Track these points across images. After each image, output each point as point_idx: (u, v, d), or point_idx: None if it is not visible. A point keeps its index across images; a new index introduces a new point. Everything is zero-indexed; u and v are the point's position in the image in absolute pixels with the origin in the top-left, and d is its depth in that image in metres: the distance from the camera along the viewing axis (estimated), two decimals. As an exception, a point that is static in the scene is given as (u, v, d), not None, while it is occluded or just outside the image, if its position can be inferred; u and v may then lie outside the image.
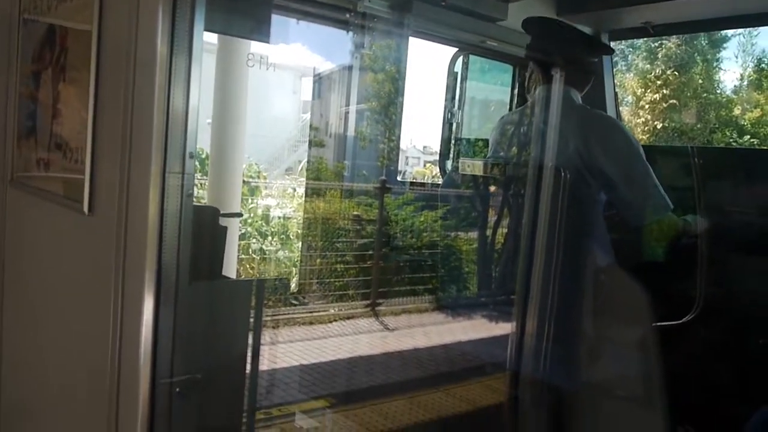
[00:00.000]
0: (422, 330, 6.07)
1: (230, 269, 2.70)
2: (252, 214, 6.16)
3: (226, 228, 1.47)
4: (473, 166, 2.62)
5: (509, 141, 2.59)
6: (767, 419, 1.34)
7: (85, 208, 1.30)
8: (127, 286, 1.21)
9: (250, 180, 6.23)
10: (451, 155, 3.28)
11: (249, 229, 6.03)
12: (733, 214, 2.94)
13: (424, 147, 14.90)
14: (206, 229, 1.32)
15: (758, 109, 11.08)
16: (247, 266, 5.92)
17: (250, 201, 6.14)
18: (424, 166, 14.69)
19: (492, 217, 2.79)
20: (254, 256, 6.03)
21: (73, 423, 1.53)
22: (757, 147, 10.68)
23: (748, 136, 10.87)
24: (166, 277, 1.12)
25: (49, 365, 1.68)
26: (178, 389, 1.24)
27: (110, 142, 1.22)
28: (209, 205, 2.51)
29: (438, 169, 3.76)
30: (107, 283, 1.24)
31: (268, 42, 2.59)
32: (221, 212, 1.57)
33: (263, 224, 6.21)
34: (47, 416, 1.72)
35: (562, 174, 2.15)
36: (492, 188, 2.65)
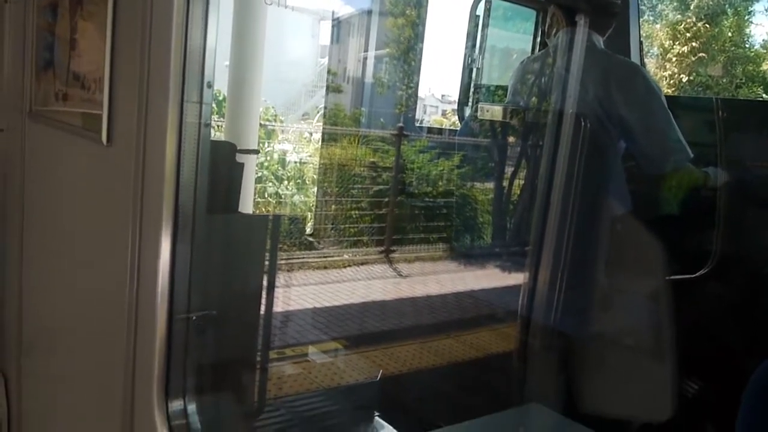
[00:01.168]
0: (435, 278, 6.12)
1: (246, 208, 2.72)
2: (268, 158, 6.16)
3: (242, 164, 1.47)
4: (491, 112, 2.59)
5: (529, 87, 2.55)
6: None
7: (104, 139, 1.30)
8: (145, 218, 1.21)
9: (267, 123, 6.20)
10: (470, 102, 3.23)
11: (265, 172, 6.04)
12: (755, 169, 2.89)
13: (443, 96, 14.73)
14: (223, 164, 1.32)
15: (787, 65, 10.82)
16: (264, 209, 5.95)
17: (266, 144, 6.14)
18: (443, 114, 14.55)
19: (508, 166, 2.77)
20: (270, 199, 6.06)
21: (92, 355, 1.56)
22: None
23: (775, 92, 10.64)
24: (184, 210, 1.13)
25: (68, 298, 1.71)
26: (194, 319, 1.26)
27: (128, 72, 1.21)
28: (226, 141, 2.50)
29: (456, 117, 3.72)
30: (126, 215, 1.25)
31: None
32: (238, 148, 1.57)
33: (280, 168, 6.22)
34: (66, 349, 1.76)
35: (582, 122, 2.12)
36: (509, 136, 2.62)
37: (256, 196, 5.76)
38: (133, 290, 1.27)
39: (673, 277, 2.62)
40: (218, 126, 4.03)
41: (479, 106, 2.71)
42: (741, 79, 10.76)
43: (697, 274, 2.82)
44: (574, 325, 2.54)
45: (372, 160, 7.25)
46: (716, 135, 2.81)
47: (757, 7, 11.17)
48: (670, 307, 2.51)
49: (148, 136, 1.14)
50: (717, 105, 2.93)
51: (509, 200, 2.87)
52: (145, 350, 1.24)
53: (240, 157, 1.69)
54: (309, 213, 6.56)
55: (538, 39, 3.37)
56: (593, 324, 2.58)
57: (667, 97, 2.42)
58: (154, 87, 1.10)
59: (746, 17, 11.22)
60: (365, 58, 9.23)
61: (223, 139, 3.02)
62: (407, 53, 8.68)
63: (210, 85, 1.06)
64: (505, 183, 2.83)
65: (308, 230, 6.43)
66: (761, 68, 10.95)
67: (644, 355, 2.61)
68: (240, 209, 1.50)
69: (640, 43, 3.65)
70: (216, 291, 1.38)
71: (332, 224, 6.62)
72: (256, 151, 2.55)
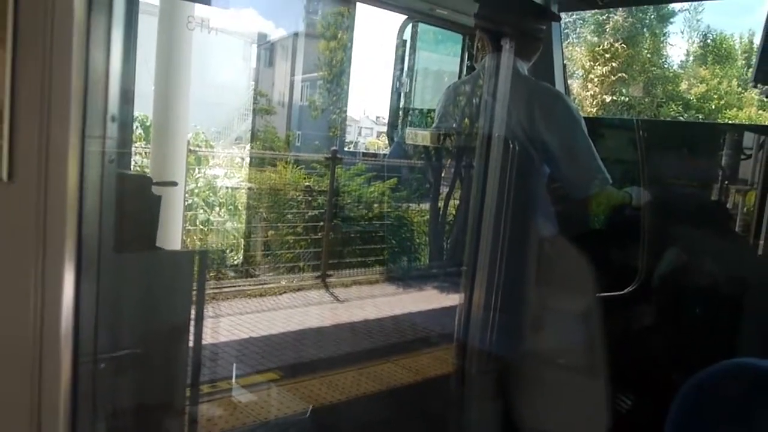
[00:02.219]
0: (372, 302, 6.08)
1: (173, 240, 2.62)
2: (199, 184, 6.02)
3: (159, 197, 1.41)
4: (419, 136, 2.59)
5: (455, 111, 2.57)
6: (699, 384, 1.37)
7: (4, 175, 1.21)
8: (47, 258, 1.13)
9: (197, 149, 6.07)
10: (400, 125, 3.24)
11: (196, 199, 5.89)
12: (675, 187, 2.99)
13: (377, 117, 14.85)
14: (136, 198, 1.26)
15: (704, 85, 11.35)
16: (195, 237, 5.80)
17: (196, 170, 6.00)
18: (377, 136, 14.65)
19: (438, 188, 2.77)
20: (202, 227, 5.91)
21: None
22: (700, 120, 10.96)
23: (694, 111, 11.14)
24: (88, 249, 1.06)
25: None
26: (108, 360, 1.18)
27: (29, 104, 1.14)
28: (140, 174, 2.42)
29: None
30: (28, 255, 1.16)
31: (209, 4, 2.49)
32: (154, 180, 1.50)
33: (211, 194, 6.08)
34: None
35: (507, 146, 2.14)
36: (437, 159, 2.63)
37: (187, 223, 5.62)
38: (36, 333, 1.18)
39: (603, 294, 2.66)
40: (145, 153, 3.92)
41: (408, 130, 2.71)
42: (662, 98, 11.24)
43: (626, 291, 2.88)
44: (509, 346, 2.55)
45: (307, 183, 7.20)
46: (638, 155, 2.89)
47: (671, 28, 11.75)
48: (601, 324, 2.55)
49: (50, 172, 1.07)
50: (637, 126, 3.02)
51: (443, 221, 2.88)
52: (51, 397, 1.16)
53: (159, 190, 1.62)
54: (243, 239, 6.44)
55: (466, 62, 3.42)
56: (527, 344, 2.60)
57: (591, 118, 2.49)
58: (56, 121, 1.03)
59: (662, 39, 11.78)
60: (297, 81, 9.21)
61: (149, 167, 2.93)
62: (340, 76, 8.70)
63: (114, 119, 1.00)
64: (438, 204, 2.83)
65: (242, 257, 6.30)
66: (679, 87, 11.47)
67: (577, 373, 2.64)
68: (164, 242, 1.43)
69: (564, 66, 3.75)
70: (135, 330, 1.31)
71: (267, 250, 6.52)
72: (174, 183, 2.47)
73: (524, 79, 2.39)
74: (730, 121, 11.10)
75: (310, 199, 7.14)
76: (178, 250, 2.31)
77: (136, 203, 1.25)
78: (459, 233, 2.76)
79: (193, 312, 1.53)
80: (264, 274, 6.35)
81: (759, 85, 2.65)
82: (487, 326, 2.44)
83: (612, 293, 2.81)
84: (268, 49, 9.57)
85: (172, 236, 2.59)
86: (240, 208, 6.54)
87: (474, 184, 2.28)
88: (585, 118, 2.46)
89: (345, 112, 8.79)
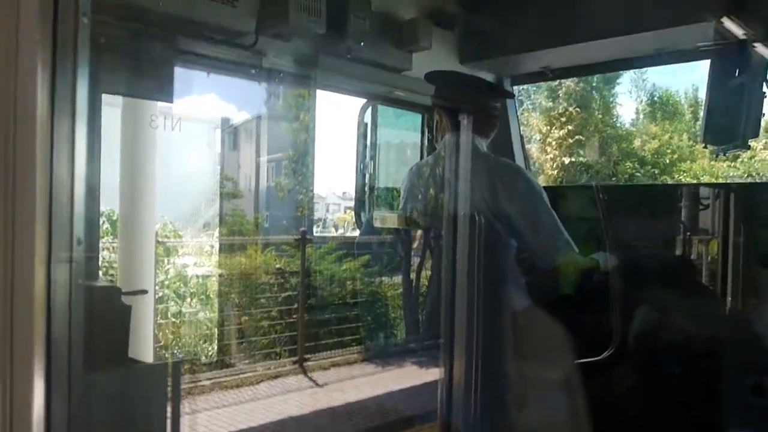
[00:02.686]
0: (352, 383, 5.96)
1: (144, 347, 2.57)
2: (168, 276, 5.94)
3: (129, 307, 1.39)
4: (385, 219, 2.63)
5: (419, 191, 2.61)
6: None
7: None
8: (16, 380, 1.11)
9: (165, 240, 6.02)
10: (366, 205, 3.27)
11: (167, 291, 5.80)
12: (639, 248, 3.06)
13: (344, 193, 14.96)
14: (105, 312, 1.24)
15: (656, 140, 11.76)
16: (167, 331, 5.68)
17: (166, 262, 5.93)
18: (345, 212, 14.72)
19: (410, 266, 2.79)
20: (174, 319, 5.80)
21: None
22: (657, 182, 11.28)
23: (649, 166, 11.49)
24: (58, 369, 1.04)
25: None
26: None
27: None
28: (108, 285, 2.39)
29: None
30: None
31: (171, 102, 2.53)
32: (123, 291, 1.48)
33: (181, 285, 6.00)
34: None
35: (470, 222, 2.17)
36: (406, 238, 2.65)
37: (159, 317, 5.51)
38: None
39: (580, 361, 2.67)
40: (113, 247, 3.87)
41: (374, 214, 2.75)
42: (618, 156, 11.59)
43: (603, 356, 2.89)
44: (493, 421, 2.52)
45: (278, 266, 7.16)
46: (600, 219, 2.96)
47: (619, 89, 12.25)
48: (582, 391, 2.55)
49: (15, 295, 1.06)
50: (597, 190, 3.10)
51: (416, 297, 2.88)
52: None
53: (128, 299, 1.60)
54: (217, 329, 6.32)
55: (426, 138, 3.51)
56: (511, 418, 2.57)
57: (553, 187, 2.55)
58: (20, 243, 1.03)
59: (611, 100, 12.25)
60: (262, 163, 9.28)
61: (117, 264, 2.89)
62: (304, 156, 8.80)
63: (80, 242, 1.00)
64: (411, 279, 2.84)
65: (216, 350, 6.17)
66: (633, 145, 11.86)
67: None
68: (135, 351, 1.41)
69: (521, 136, 3.87)
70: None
71: (242, 338, 6.40)
72: (144, 291, 2.45)
73: (484, 156, 2.46)
74: (684, 173, 11.44)
75: (282, 281, 7.08)
76: (151, 363, 2.25)
77: (105, 317, 1.23)
78: (433, 309, 2.76)
79: (169, 424, 1.48)
80: (240, 363, 6.22)
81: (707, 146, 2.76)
82: (468, 401, 2.42)
83: (590, 359, 2.81)
84: (232, 133, 9.67)
85: (143, 343, 2.55)
86: (212, 296, 6.45)
87: (443, 262, 2.30)
88: (548, 187, 2.53)
89: (311, 191, 8.83)
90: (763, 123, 2.86)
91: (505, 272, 2.43)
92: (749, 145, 2.76)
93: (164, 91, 2.41)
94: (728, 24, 2.64)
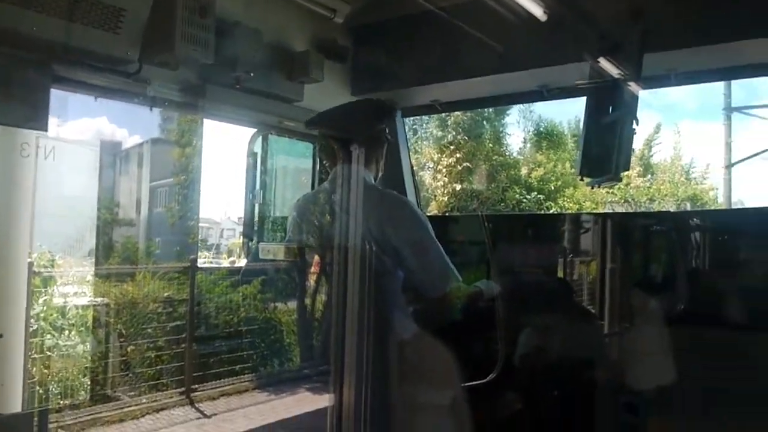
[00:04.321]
0: (243, 412, 5.84)
1: (11, 394, 2.40)
2: (46, 308, 5.58)
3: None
4: (272, 251, 2.61)
5: (305, 223, 2.60)
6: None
7: None
8: None
9: (42, 270, 5.67)
10: (255, 235, 3.23)
11: (42, 323, 5.45)
12: (522, 274, 3.19)
13: (240, 218, 14.69)
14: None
15: (541, 168, 12.35)
16: (41, 366, 5.33)
17: (42, 293, 5.57)
18: (240, 237, 14.44)
19: (302, 294, 2.76)
20: (50, 353, 5.45)
21: None
22: (542, 208, 11.85)
23: (535, 192, 12.05)
24: None
25: None
26: None
27: None
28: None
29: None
30: None
31: (45, 131, 2.42)
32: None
33: (59, 317, 5.65)
34: None
35: (358, 254, 2.19)
36: (297, 268, 2.63)
37: (33, 351, 5.17)
38: None
39: (468, 384, 2.75)
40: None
41: (261, 246, 2.71)
42: (506, 183, 12.06)
43: (487, 379, 2.97)
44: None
45: (166, 294, 6.92)
46: (486, 246, 3.07)
47: (507, 119, 12.82)
48: (467, 412, 2.62)
49: None
50: (483, 219, 3.21)
51: (310, 323, 2.85)
52: None
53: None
54: (98, 362, 5.99)
55: (317, 167, 3.52)
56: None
57: (440, 217, 2.62)
58: None
59: (500, 129, 12.79)
60: (152, 189, 8.99)
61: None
62: (196, 182, 8.60)
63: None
64: (305, 304, 2.81)
65: (96, 381, 5.84)
66: (521, 172, 12.39)
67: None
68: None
69: (411, 166, 3.96)
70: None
71: (126, 371, 6.11)
72: None
73: (370, 189, 2.48)
74: (567, 198, 12.07)
75: (171, 310, 6.85)
76: (14, 413, 2.11)
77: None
78: (325, 337, 2.75)
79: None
80: (123, 396, 5.94)
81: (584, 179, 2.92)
82: (357, 428, 2.42)
83: (475, 382, 2.89)
84: (119, 158, 9.31)
85: (11, 389, 2.39)
86: (94, 327, 6.12)
87: (332, 294, 2.31)
88: (436, 216, 2.60)
89: (197, 217, 8.64)
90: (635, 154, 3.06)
91: (393, 302, 2.45)
92: (621, 178, 2.93)
93: (38, 118, 2.31)
94: (604, 64, 2.82)
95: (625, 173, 2.94)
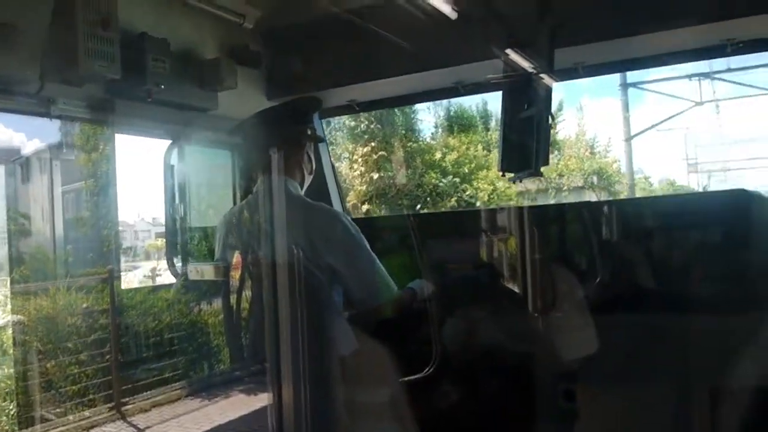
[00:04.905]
0: (176, 422, 5.72)
1: None
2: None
3: None
4: (201, 271, 2.55)
5: (233, 239, 2.55)
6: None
7: None
8: None
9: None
10: (178, 250, 3.13)
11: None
12: (451, 271, 3.24)
13: (154, 219, 14.26)
14: None
15: (455, 152, 12.55)
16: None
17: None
18: (156, 238, 14.01)
19: (235, 310, 2.72)
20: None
21: None
22: (459, 196, 12.07)
23: (451, 176, 12.25)
24: None
25: None
26: None
27: None
28: None
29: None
30: None
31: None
32: None
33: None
34: None
35: (289, 272, 2.17)
36: (226, 287, 2.58)
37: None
38: None
39: (404, 379, 2.80)
40: None
41: (189, 267, 2.64)
42: (422, 169, 12.19)
43: (423, 373, 3.03)
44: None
45: (84, 305, 6.65)
46: (414, 246, 3.09)
47: (418, 105, 12.93)
48: (406, 406, 2.67)
49: None
50: (410, 220, 3.23)
51: (239, 327, 2.81)
52: None
53: None
54: (14, 382, 5.70)
55: (236, 174, 3.46)
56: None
57: (366, 219, 2.63)
58: None
59: (412, 116, 12.90)
60: (58, 196, 8.58)
61: None
62: (107, 186, 8.27)
63: None
64: (233, 307, 2.77)
65: (15, 405, 5.56)
66: (435, 157, 12.55)
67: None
68: None
69: (333, 166, 3.95)
70: None
71: (47, 390, 5.85)
72: None
73: (299, 201, 2.45)
74: (482, 180, 12.33)
75: (91, 321, 6.59)
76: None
77: None
78: (254, 337, 2.72)
79: None
80: (47, 415, 5.69)
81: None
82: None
83: (412, 377, 2.93)
84: (21, 165, 8.82)
85: None
86: (7, 349, 5.82)
87: (265, 311, 2.28)
88: (364, 219, 2.59)
89: (117, 223, 8.35)
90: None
91: (328, 310, 2.44)
92: (541, 173, 2.99)
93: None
94: (516, 59, 2.87)
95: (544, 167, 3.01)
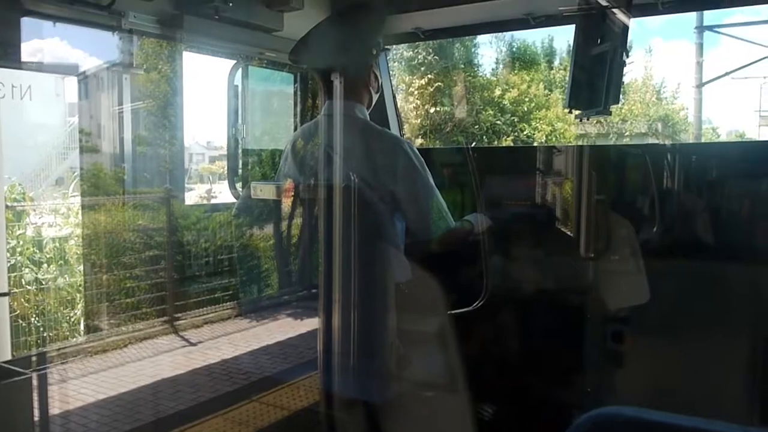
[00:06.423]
0: (227, 339, 5.92)
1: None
2: (21, 242, 5.50)
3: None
4: (264, 190, 2.57)
5: (300, 159, 2.56)
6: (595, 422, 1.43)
7: None
8: None
9: (15, 204, 5.55)
10: (239, 172, 3.17)
11: (20, 258, 5.39)
12: (508, 207, 3.21)
13: (208, 142, 14.45)
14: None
15: (515, 89, 12.25)
16: (23, 300, 5.31)
17: (17, 228, 5.48)
18: (210, 162, 14.24)
19: (289, 234, 2.76)
20: (29, 287, 5.42)
21: None
22: (518, 132, 11.82)
23: (509, 114, 12.00)
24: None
25: None
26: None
27: None
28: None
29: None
30: None
31: (19, 68, 2.33)
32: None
33: (36, 251, 5.59)
34: None
35: (353, 193, 2.18)
36: (286, 209, 2.61)
37: (12, 286, 5.13)
38: None
39: (454, 312, 2.82)
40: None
41: (252, 186, 2.67)
42: (480, 105, 11.96)
43: (474, 306, 3.04)
44: (373, 377, 2.61)
45: (140, 222, 6.84)
46: (472, 179, 3.06)
47: (480, 39, 12.57)
48: (454, 338, 2.70)
49: None
50: (469, 152, 3.19)
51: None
52: None
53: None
54: (77, 294, 5.97)
55: (299, 98, 3.45)
56: (390, 370, 2.67)
57: (426, 149, 2.61)
58: None
59: (472, 49, 12.57)
60: (122, 114, 8.70)
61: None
62: (167, 107, 8.34)
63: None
64: (287, 248, 2.82)
65: (78, 313, 5.85)
66: (494, 94, 12.27)
67: (441, 391, 2.77)
68: None
69: (394, 95, 3.91)
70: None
71: (106, 301, 6.11)
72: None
73: (365, 125, 2.43)
74: (540, 120, 12.06)
75: (147, 238, 6.79)
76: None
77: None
78: (311, 266, 2.77)
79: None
80: (106, 327, 5.96)
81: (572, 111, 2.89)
82: (348, 351, 2.48)
83: (463, 309, 2.95)
84: (85, 82, 8.94)
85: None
86: (70, 259, 6.07)
87: (323, 235, 2.30)
88: (425, 149, 2.58)
89: (177, 144, 8.45)
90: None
91: (386, 239, 2.46)
92: (610, 111, 2.90)
93: (8, 56, 2.21)
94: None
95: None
